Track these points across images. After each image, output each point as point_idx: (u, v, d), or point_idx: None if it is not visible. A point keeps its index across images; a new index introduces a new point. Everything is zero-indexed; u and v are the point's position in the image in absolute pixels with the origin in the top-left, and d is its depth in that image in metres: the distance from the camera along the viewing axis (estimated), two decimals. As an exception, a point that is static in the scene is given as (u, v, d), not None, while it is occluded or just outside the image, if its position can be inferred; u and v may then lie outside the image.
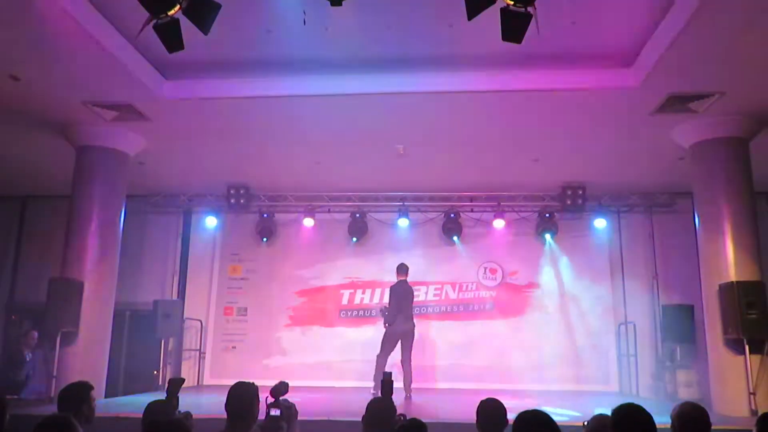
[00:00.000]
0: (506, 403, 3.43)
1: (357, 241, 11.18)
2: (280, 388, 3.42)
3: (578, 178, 10.44)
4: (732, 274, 7.54)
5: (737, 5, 5.40)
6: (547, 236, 11.00)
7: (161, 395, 3.77)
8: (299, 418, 3.65)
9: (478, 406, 3.50)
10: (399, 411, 3.59)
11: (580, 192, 10.61)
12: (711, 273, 7.80)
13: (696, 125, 7.85)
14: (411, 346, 8.49)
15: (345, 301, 11.28)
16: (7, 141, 8.86)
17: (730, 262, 7.61)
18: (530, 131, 8.40)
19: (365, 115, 7.91)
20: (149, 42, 5.46)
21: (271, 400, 3.37)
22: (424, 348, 10.59)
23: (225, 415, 3.20)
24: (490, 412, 3.39)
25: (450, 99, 7.44)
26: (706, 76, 6.72)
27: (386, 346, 8.48)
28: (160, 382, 10.05)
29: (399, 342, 8.47)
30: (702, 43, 6.01)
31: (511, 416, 3.11)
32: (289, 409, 3.39)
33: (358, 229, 11.14)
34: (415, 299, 10.85)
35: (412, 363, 8.46)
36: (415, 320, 8.73)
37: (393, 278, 8.98)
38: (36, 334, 8.63)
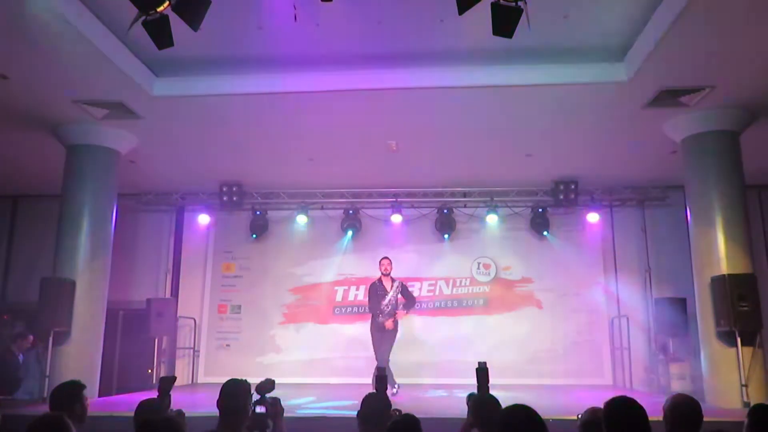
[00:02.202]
0: (500, 397, 3.44)
1: (353, 235, 11.17)
2: (266, 385, 3.40)
3: (571, 173, 10.45)
4: (724, 267, 7.57)
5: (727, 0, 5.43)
6: (541, 231, 11.03)
7: (155, 393, 3.76)
8: (294, 415, 3.64)
9: (473, 402, 3.51)
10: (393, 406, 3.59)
11: (573, 186, 10.63)
12: (703, 266, 7.84)
13: (687, 119, 7.88)
14: None
15: (339, 297, 11.27)
16: (-4, 140, 8.81)
17: (721, 255, 7.65)
18: (522, 126, 8.40)
19: (357, 111, 7.89)
20: (140, 39, 5.43)
21: (256, 397, 3.35)
22: (419, 344, 10.63)
23: (218, 413, 3.20)
24: (485, 407, 3.40)
25: (442, 94, 7.43)
26: (697, 70, 6.75)
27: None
28: (154, 381, 10.02)
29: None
30: (692, 38, 6.03)
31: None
32: (275, 406, 3.37)
33: (351, 225, 11.14)
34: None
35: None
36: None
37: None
38: (32, 337, 8.58)
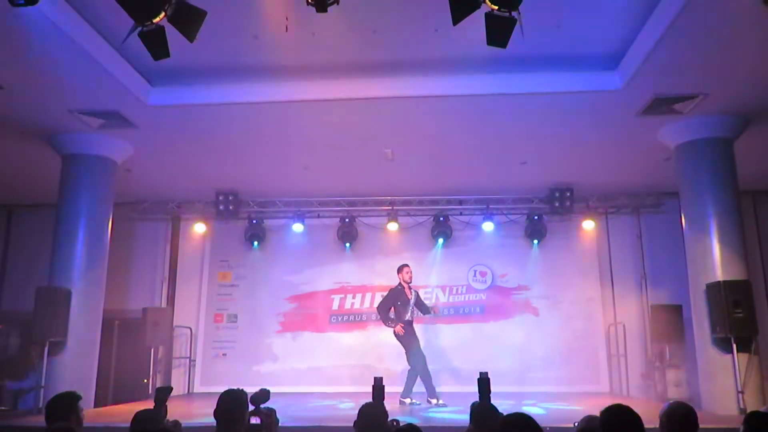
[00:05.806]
0: (498, 405, 3.45)
1: (350, 246, 11.17)
2: (260, 396, 3.39)
3: (566, 180, 10.48)
4: (719, 274, 7.59)
5: (719, 8, 5.46)
6: (536, 238, 11.04)
7: (151, 404, 3.75)
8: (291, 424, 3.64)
9: (471, 410, 3.51)
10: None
11: (568, 194, 10.65)
12: (698, 272, 7.86)
13: (681, 126, 7.92)
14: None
15: (335, 306, 11.25)
16: (-8, 150, 8.79)
17: (716, 261, 7.67)
18: (517, 134, 8.43)
19: (353, 119, 7.91)
20: (136, 49, 5.43)
21: (251, 407, 3.34)
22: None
23: (215, 423, 3.19)
24: (485, 416, 3.40)
25: (437, 103, 7.46)
26: (691, 78, 6.79)
27: None
28: (150, 391, 9.97)
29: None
30: (685, 45, 6.08)
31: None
32: (270, 417, 3.36)
33: (347, 233, 11.14)
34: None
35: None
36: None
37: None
38: None
